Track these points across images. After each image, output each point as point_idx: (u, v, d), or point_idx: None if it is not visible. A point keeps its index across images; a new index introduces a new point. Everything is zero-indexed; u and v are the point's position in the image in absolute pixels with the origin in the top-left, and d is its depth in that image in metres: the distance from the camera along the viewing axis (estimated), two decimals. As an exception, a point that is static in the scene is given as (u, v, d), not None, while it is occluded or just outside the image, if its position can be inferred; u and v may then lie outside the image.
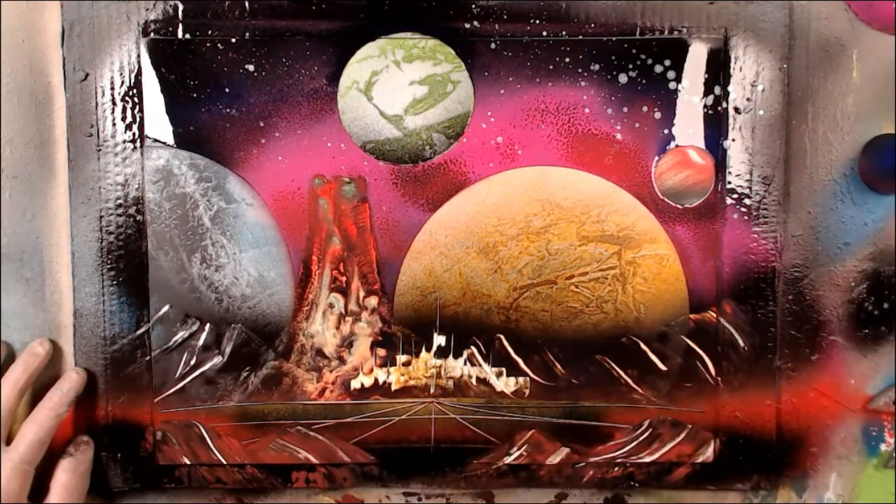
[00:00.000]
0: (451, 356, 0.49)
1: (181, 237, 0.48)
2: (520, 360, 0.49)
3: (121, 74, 0.47)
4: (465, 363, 0.49)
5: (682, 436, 0.49)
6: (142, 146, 0.47)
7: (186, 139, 0.47)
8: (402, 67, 0.47)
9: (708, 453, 0.49)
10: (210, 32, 0.47)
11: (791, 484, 0.51)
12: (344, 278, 0.49)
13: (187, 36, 0.47)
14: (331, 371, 0.49)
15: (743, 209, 0.48)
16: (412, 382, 0.49)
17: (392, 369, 0.49)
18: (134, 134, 0.47)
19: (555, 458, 0.49)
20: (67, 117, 0.47)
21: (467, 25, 0.47)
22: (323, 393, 0.49)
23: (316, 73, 0.47)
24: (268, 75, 0.47)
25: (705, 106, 0.48)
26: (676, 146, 0.48)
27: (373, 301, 0.49)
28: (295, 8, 0.47)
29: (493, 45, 0.47)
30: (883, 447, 0.50)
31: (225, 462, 0.49)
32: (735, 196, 0.48)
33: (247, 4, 0.47)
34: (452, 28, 0.47)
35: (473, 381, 0.49)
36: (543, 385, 0.49)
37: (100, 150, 0.47)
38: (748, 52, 0.47)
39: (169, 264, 0.48)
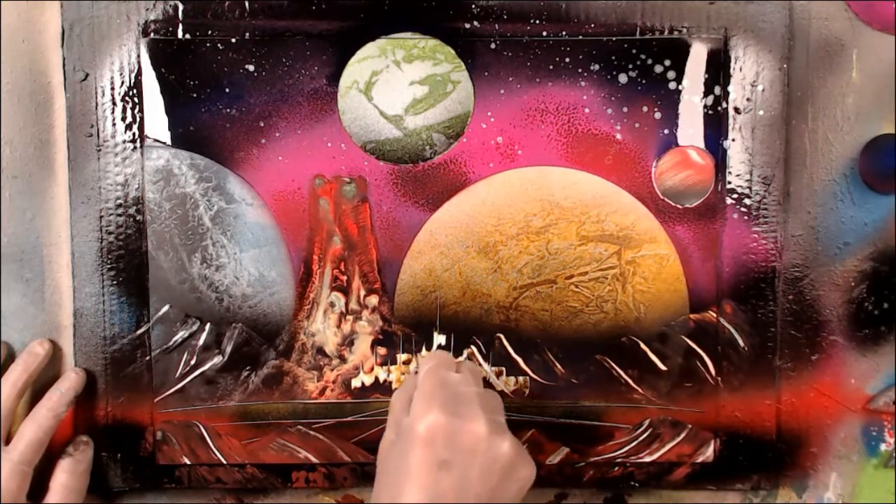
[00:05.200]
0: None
1: (181, 237, 0.48)
2: (520, 360, 0.49)
3: (121, 74, 0.47)
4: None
5: (682, 436, 0.49)
6: (142, 146, 0.47)
7: (186, 139, 0.47)
8: (402, 67, 0.47)
9: (708, 453, 0.49)
10: (210, 32, 0.47)
11: (791, 484, 0.51)
12: (345, 277, 0.49)
13: (187, 36, 0.47)
14: (331, 370, 0.49)
15: (743, 209, 0.48)
16: (412, 382, 0.49)
17: (393, 368, 0.49)
18: (134, 134, 0.47)
19: (555, 458, 0.49)
20: (67, 117, 0.47)
21: (467, 25, 0.47)
22: (323, 392, 0.49)
23: (316, 73, 0.47)
24: (268, 75, 0.47)
25: (705, 106, 0.48)
26: (676, 146, 0.48)
27: (373, 300, 0.49)
28: (295, 8, 0.47)
29: (493, 45, 0.47)
30: (883, 447, 0.50)
31: (225, 462, 0.49)
32: (735, 196, 0.48)
33: (247, 4, 0.47)
34: (452, 28, 0.47)
35: (473, 380, 0.49)
36: (543, 385, 0.49)
37: (100, 150, 0.47)
38: (748, 52, 0.47)
39: (169, 264, 0.48)
